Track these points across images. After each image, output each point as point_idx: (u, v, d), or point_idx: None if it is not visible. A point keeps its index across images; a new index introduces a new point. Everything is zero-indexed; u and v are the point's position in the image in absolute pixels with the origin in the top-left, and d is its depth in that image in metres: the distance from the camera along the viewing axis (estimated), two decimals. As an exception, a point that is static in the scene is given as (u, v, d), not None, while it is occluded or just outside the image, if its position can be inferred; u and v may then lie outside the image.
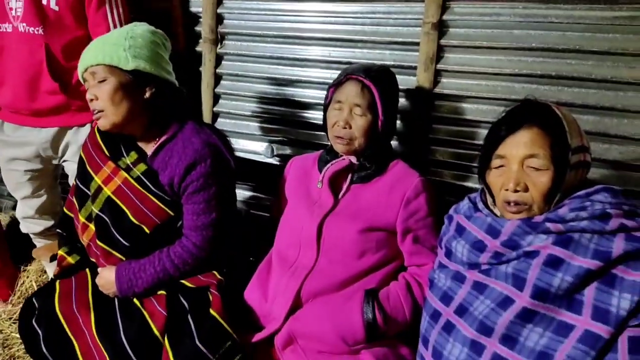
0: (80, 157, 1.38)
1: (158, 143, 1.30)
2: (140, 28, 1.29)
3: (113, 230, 1.28)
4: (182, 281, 1.28)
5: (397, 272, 1.26)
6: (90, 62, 1.23)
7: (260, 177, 1.88)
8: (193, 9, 1.87)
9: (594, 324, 0.88)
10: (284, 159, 1.87)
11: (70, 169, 1.78)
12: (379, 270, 1.24)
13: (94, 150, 1.34)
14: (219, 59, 1.87)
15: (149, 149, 1.32)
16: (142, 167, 1.30)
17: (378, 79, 1.26)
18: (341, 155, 1.30)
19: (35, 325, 1.23)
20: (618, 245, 0.90)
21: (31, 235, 1.96)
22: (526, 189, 0.97)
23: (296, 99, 1.79)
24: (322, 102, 1.68)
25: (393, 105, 1.33)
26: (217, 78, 1.89)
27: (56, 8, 1.57)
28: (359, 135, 1.25)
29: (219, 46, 1.85)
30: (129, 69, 1.22)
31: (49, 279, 2.07)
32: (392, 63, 1.56)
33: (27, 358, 1.72)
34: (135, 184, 1.28)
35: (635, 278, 0.87)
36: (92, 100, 1.24)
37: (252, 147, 1.88)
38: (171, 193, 1.29)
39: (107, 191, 1.29)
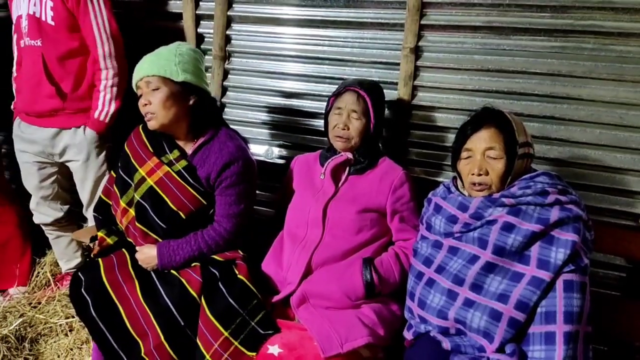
0: (125, 152, 1.62)
1: (197, 144, 1.56)
2: (185, 47, 1.56)
3: (152, 214, 1.53)
4: (212, 256, 1.53)
5: (387, 245, 1.56)
6: (147, 72, 1.48)
7: (261, 177, 2.15)
8: (200, 30, 2.15)
9: (539, 272, 1.20)
10: (282, 159, 2.15)
11: (74, 167, 2.01)
12: (373, 243, 1.53)
13: (139, 147, 1.59)
14: (225, 73, 2.15)
15: (188, 148, 1.58)
16: (183, 163, 1.55)
17: (370, 90, 1.58)
18: (340, 152, 1.60)
19: (85, 294, 1.45)
20: (554, 214, 1.23)
21: (43, 227, 2.14)
22: (487, 173, 1.30)
23: (293, 108, 2.08)
24: (316, 111, 2.04)
25: (382, 112, 1.64)
26: (224, 90, 2.16)
27: (52, 23, 1.82)
28: (355, 135, 1.56)
29: (226, 62, 2.13)
30: (179, 80, 1.48)
31: (63, 271, 2.25)
32: (377, 79, 1.88)
33: (50, 335, 1.91)
34: (176, 177, 1.53)
35: (567, 237, 1.20)
36: (145, 105, 1.49)
37: (254, 150, 2.16)
38: (206, 186, 1.55)
39: (150, 181, 1.53)
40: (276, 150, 2.16)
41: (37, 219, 2.10)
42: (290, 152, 2.13)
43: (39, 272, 2.26)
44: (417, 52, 1.81)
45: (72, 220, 2.20)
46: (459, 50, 1.78)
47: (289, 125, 2.10)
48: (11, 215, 2.18)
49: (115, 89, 1.88)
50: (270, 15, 2.02)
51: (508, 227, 1.24)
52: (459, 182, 1.42)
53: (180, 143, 1.60)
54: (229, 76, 2.16)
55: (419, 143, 1.89)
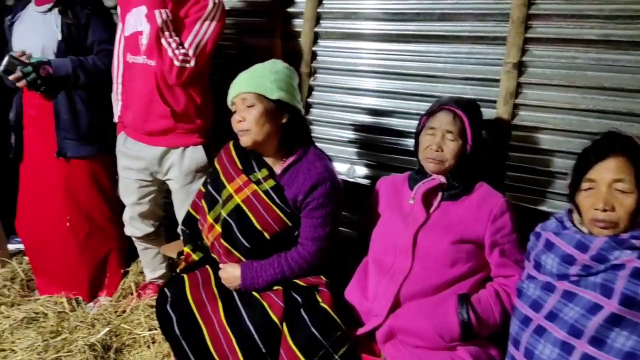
0: (214, 168, 1.61)
1: (286, 163, 1.53)
2: (280, 64, 1.54)
3: (237, 232, 1.50)
4: (295, 280, 1.48)
5: (484, 281, 1.42)
6: (242, 89, 1.47)
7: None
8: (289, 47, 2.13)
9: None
10: (364, 179, 2.07)
11: (175, 187, 2.02)
12: (469, 278, 1.40)
13: (229, 163, 1.58)
14: (310, 90, 2.11)
15: (277, 167, 1.55)
16: (271, 182, 1.52)
17: (468, 109, 1.46)
18: (431, 175, 1.49)
19: (170, 310, 1.44)
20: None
21: (133, 239, 2.21)
22: (613, 209, 1.13)
23: (378, 126, 1.99)
24: (403, 130, 1.94)
25: (480, 133, 1.51)
26: (308, 106, 2.13)
27: None
28: (450, 157, 1.44)
29: (311, 79, 2.09)
30: (274, 98, 1.46)
31: (147, 280, 2.31)
32: (472, 96, 1.74)
33: (134, 346, 1.95)
34: (263, 196, 1.50)
35: None
36: (240, 121, 1.48)
37: (335, 167, 2.08)
38: (293, 207, 1.50)
39: (237, 199, 1.51)
40: (358, 169, 2.08)
41: (128, 231, 2.17)
42: (374, 172, 2.04)
43: (124, 281, 2.34)
44: (520, 67, 1.65)
45: (161, 234, 2.25)
46: (570, 66, 1.61)
47: (373, 143, 2.02)
48: (116, 228, 2.26)
49: (179, 54, 1.74)
50: (358, 31, 1.96)
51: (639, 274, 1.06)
52: (575, 216, 1.25)
53: (269, 161, 1.57)
54: (314, 93, 2.12)
55: (520, 167, 1.72)
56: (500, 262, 1.40)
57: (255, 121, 1.46)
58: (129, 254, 2.38)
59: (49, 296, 2.23)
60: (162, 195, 2.15)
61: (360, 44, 1.98)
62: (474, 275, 1.40)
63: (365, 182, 2.05)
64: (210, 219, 1.58)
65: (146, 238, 2.18)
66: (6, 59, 1.81)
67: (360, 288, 1.48)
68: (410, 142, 1.93)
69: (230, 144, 1.62)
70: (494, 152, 1.73)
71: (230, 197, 1.53)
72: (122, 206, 2.14)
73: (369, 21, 1.94)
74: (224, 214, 1.53)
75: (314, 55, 2.07)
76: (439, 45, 1.82)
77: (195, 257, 1.62)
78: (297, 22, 2.07)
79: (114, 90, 2.01)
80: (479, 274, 1.41)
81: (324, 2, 1.99)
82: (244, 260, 1.51)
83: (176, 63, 1.73)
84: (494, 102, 1.72)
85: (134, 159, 2.00)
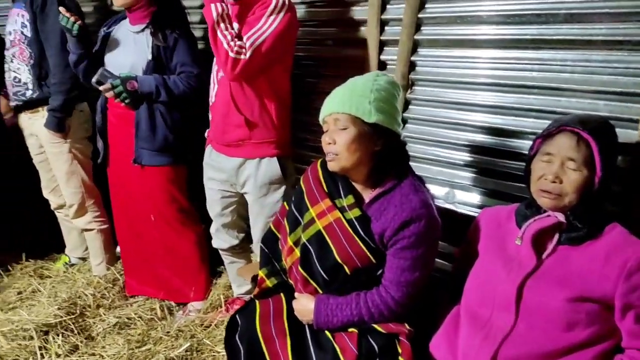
0: (299, 187, 1.50)
1: (376, 193, 1.36)
2: (383, 80, 1.35)
3: (316, 261, 1.37)
4: (373, 324, 1.31)
5: (611, 353, 1.11)
6: (336, 109, 1.32)
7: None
8: (383, 57, 1.96)
9: None
10: (465, 206, 1.82)
11: (251, 200, 1.99)
12: (590, 347, 1.10)
13: (315, 185, 1.45)
14: (407, 104, 1.92)
15: (366, 195, 1.40)
16: (356, 212, 1.36)
17: (597, 132, 1.16)
18: (545, 211, 1.21)
19: (238, 342, 1.37)
20: None
21: (220, 252, 2.21)
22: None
23: (484, 146, 1.73)
24: (514, 151, 1.65)
25: (612, 162, 1.20)
26: (404, 121, 1.94)
27: None
28: (571, 191, 1.15)
29: (408, 91, 1.90)
30: (371, 121, 1.29)
31: (234, 295, 2.30)
32: (607, 114, 1.41)
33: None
34: (347, 226, 1.35)
35: None
36: (329, 143, 1.33)
37: (432, 190, 1.85)
38: (378, 242, 1.33)
39: (319, 225, 1.38)
40: (458, 194, 1.84)
41: (215, 244, 2.18)
42: (478, 198, 1.79)
43: (213, 293, 2.36)
44: (673, 78, 1.30)
45: (246, 248, 2.23)
46: None
47: (478, 165, 1.76)
48: (192, 234, 2.31)
49: (234, 45, 1.68)
50: (465, 37, 1.72)
51: None
52: None
53: (358, 187, 1.41)
54: (410, 107, 1.92)
55: (668, 205, 1.36)
56: (636, 330, 1.08)
57: (346, 146, 1.30)
58: (220, 265, 2.39)
59: (144, 300, 2.33)
60: (245, 207, 2.12)
61: (468, 52, 1.73)
62: (598, 344, 1.10)
63: (467, 209, 1.80)
64: (290, 242, 1.48)
65: (232, 251, 2.18)
66: (99, 71, 1.98)
67: (448, 342, 1.26)
68: (521, 166, 1.65)
69: (318, 162, 1.49)
70: (631, 186, 1.38)
71: (312, 221, 1.40)
72: (202, 216, 2.15)
73: (478, 26, 1.68)
74: (304, 238, 1.41)
75: (412, 66, 1.87)
76: (565, 52, 1.51)
77: (269, 283, 1.53)
78: (394, 29, 1.89)
79: (210, 109, 2.04)
80: (604, 342, 1.11)
81: (426, 6, 1.79)
82: (320, 292, 1.38)
83: (231, 54, 1.68)
84: (635, 121, 1.37)
85: (216, 170, 2.02)
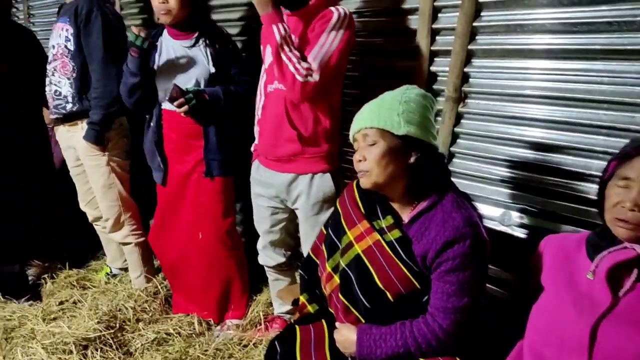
0: (336, 209, 1.44)
1: (416, 211, 1.28)
2: (413, 92, 1.30)
3: (357, 288, 1.28)
4: (421, 358, 1.20)
5: None
6: (364, 124, 1.28)
7: (493, 246, 1.72)
8: (433, 68, 1.85)
9: None
10: (523, 229, 1.68)
11: (302, 218, 1.92)
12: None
13: (351, 206, 1.38)
14: (458, 118, 1.80)
15: (405, 214, 1.31)
16: (396, 233, 1.28)
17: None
18: (621, 242, 1.07)
19: (277, 370, 1.29)
20: None
21: (265, 268, 2.15)
22: None
23: (545, 165, 1.59)
24: (580, 171, 1.51)
25: None
26: (455, 136, 1.82)
27: None
28: (653, 221, 1.01)
29: (460, 104, 1.78)
30: (400, 134, 1.23)
31: (275, 313, 2.24)
32: (692, 133, 1.26)
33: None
34: (387, 249, 1.26)
35: None
36: (360, 161, 1.27)
37: (486, 212, 1.73)
38: (422, 265, 1.23)
39: (358, 249, 1.30)
40: (515, 216, 1.70)
41: (261, 260, 2.13)
42: (536, 221, 1.64)
43: (253, 310, 2.30)
44: None
45: (292, 266, 2.17)
46: None
47: (538, 186, 1.62)
48: (239, 249, 2.29)
49: (301, 68, 1.61)
50: (525, 47, 1.59)
51: None
52: None
53: (396, 207, 1.33)
54: (462, 121, 1.80)
55: None
56: None
57: (377, 161, 1.23)
58: (261, 281, 2.33)
59: (183, 315, 2.30)
60: (294, 224, 2.06)
61: (528, 62, 1.60)
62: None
63: (524, 233, 1.66)
64: (328, 268, 1.40)
65: (278, 268, 2.12)
66: (172, 87, 1.97)
67: (508, 384, 1.13)
68: (590, 188, 1.50)
69: (354, 183, 1.42)
70: None
71: (350, 245, 1.32)
72: (248, 231, 2.10)
73: (540, 34, 1.55)
74: (343, 264, 1.33)
75: (465, 78, 1.75)
76: (640, 63, 1.37)
77: (310, 308, 1.45)
78: (445, 39, 1.79)
79: (255, 122, 2.00)
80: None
81: (482, 14, 1.67)
82: (362, 321, 1.29)
83: (299, 78, 1.61)
84: None
85: (265, 186, 1.96)
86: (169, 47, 2.08)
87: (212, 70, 2.03)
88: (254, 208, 2.08)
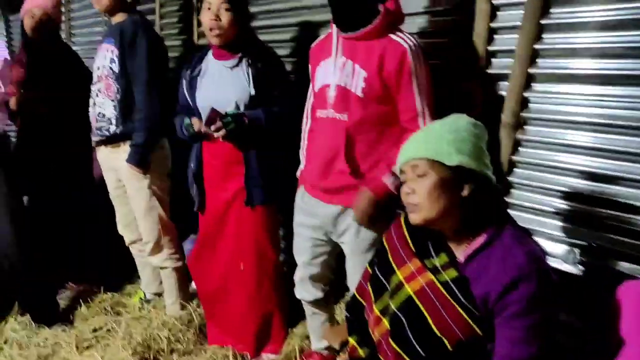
0: (383, 246, 1.33)
1: (472, 248, 1.17)
2: (463, 120, 1.22)
3: (410, 334, 1.17)
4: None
5: None
6: (412, 154, 1.19)
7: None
8: (490, 93, 1.73)
9: None
10: (590, 269, 1.53)
11: (347, 252, 1.80)
12: None
13: (399, 243, 1.28)
14: (516, 145, 1.68)
15: (460, 251, 1.20)
16: (452, 272, 1.17)
17: None
18: None
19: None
20: None
21: (303, 302, 2.05)
22: None
23: (614, 198, 1.46)
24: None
25: None
26: (511, 165, 1.70)
27: (361, 95, 1.62)
28: None
29: (518, 131, 1.66)
30: (452, 164, 1.14)
31: (312, 348, 2.13)
32: None
33: None
34: (442, 290, 1.15)
35: None
36: (408, 193, 1.18)
37: (548, 248, 1.59)
38: (482, 309, 1.11)
39: (409, 290, 1.19)
40: (582, 254, 1.55)
41: (298, 294, 2.02)
42: (608, 261, 1.49)
43: (289, 343, 2.20)
44: None
45: (331, 301, 2.06)
46: None
47: (608, 221, 1.48)
48: (281, 283, 2.20)
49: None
50: (593, 72, 1.48)
51: None
52: None
53: (451, 244, 1.22)
54: (520, 149, 1.68)
55: None
56: None
57: (427, 195, 1.14)
58: (297, 312, 2.23)
59: (218, 347, 2.22)
60: (335, 258, 1.94)
61: (597, 89, 1.47)
62: None
63: (592, 273, 1.52)
64: (376, 310, 1.29)
65: (315, 304, 2.00)
66: (210, 111, 1.92)
67: None
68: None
69: (402, 218, 1.31)
70: None
71: (400, 285, 1.21)
72: (289, 259, 2.01)
73: (610, 59, 1.43)
74: (393, 306, 1.21)
75: (524, 103, 1.64)
76: None
77: (361, 353, 1.33)
78: (502, 61, 1.68)
79: (302, 146, 1.93)
80: None
81: (543, 36, 1.56)
82: (419, 374, 1.16)
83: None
84: None
85: (310, 215, 1.85)
86: (212, 68, 2.04)
87: (252, 92, 1.96)
88: (295, 237, 1.97)
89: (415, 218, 1.18)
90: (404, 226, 1.30)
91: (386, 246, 1.32)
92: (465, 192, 1.15)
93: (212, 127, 1.90)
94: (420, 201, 1.15)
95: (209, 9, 1.90)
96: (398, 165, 1.24)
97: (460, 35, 1.76)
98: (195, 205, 2.17)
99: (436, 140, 1.16)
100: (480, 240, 1.16)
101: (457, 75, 1.80)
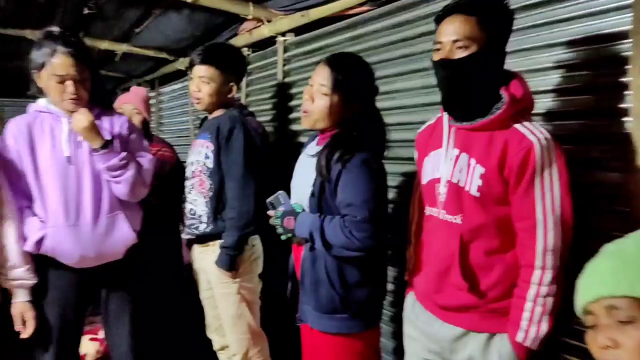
0: None
1: None
2: None
3: None
4: None
5: None
6: (607, 291, 0.87)
7: None
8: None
9: None
10: None
11: None
12: None
13: None
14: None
15: None
16: None
17: None
18: None
19: None
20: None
21: None
22: None
23: None
24: None
25: None
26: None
27: (477, 194, 1.36)
28: None
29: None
30: None
31: None
32: None
33: None
34: None
35: None
36: (608, 347, 0.85)
37: None
38: None
39: None
40: None
41: None
42: None
43: None
44: None
45: None
46: None
47: None
48: None
49: (551, 300, 1.28)
50: None
51: None
52: None
53: None
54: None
55: None
56: None
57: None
58: None
59: None
60: None
61: None
62: None
63: None
64: None
65: None
66: (276, 194, 1.76)
67: None
68: None
69: None
70: None
71: None
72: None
73: None
74: None
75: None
76: None
77: None
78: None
79: (409, 247, 1.67)
80: None
81: None
82: None
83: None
84: None
85: (422, 333, 1.55)
86: (305, 152, 1.84)
87: (313, 189, 1.68)
88: (406, 354, 1.65)
89: None
90: None
91: None
92: None
93: (268, 212, 1.76)
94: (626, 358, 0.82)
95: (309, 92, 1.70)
96: (580, 304, 0.93)
97: (614, 67, 1.40)
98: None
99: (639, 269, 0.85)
100: None
101: (607, 163, 1.44)
